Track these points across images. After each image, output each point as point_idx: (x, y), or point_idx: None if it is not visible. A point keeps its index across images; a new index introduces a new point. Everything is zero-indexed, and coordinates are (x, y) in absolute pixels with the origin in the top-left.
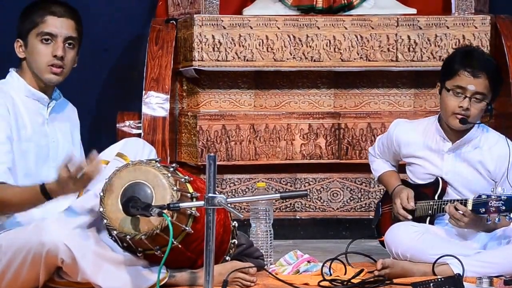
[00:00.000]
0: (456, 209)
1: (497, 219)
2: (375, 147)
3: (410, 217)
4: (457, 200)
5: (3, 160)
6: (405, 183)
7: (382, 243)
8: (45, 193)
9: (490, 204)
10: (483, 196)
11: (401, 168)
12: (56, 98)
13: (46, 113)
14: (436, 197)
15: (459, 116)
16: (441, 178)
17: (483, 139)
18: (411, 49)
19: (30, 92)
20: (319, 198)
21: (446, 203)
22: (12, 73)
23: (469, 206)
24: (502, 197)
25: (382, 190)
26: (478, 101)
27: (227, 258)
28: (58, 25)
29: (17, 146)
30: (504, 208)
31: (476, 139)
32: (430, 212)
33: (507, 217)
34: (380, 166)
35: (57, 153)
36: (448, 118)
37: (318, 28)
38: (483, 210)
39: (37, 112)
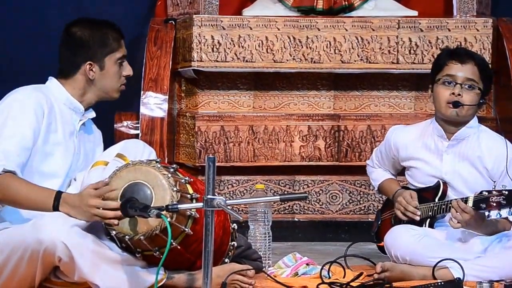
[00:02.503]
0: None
1: (497, 215)
2: (373, 158)
3: (419, 212)
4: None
5: (19, 153)
6: (406, 189)
7: (381, 249)
8: (57, 201)
9: (491, 200)
10: (484, 193)
11: (401, 174)
12: (89, 116)
13: (77, 126)
14: (436, 200)
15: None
16: (442, 181)
17: (481, 137)
18: (412, 51)
19: (69, 100)
20: (318, 201)
21: (446, 203)
22: (53, 80)
23: (470, 203)
24: (503, 191)
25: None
26: (469, 89)
27: (226, 260)
28: (124, 45)
29: (42, 147)
30: (505, 202)
31: (474, 135)
32: (430, 213)
33: (508, 212)
34: (379, 175)
35: (76, 166)
36: (442, 109)
37: (318, 30)
38: (484, 206)
39: (70, 122)
